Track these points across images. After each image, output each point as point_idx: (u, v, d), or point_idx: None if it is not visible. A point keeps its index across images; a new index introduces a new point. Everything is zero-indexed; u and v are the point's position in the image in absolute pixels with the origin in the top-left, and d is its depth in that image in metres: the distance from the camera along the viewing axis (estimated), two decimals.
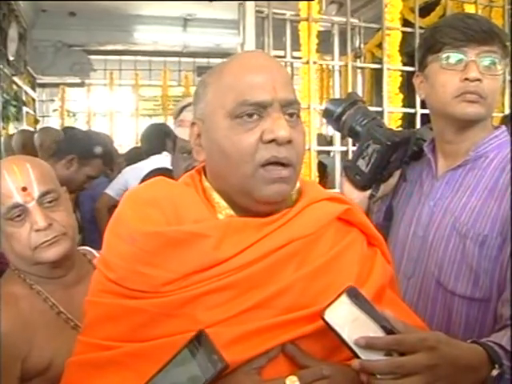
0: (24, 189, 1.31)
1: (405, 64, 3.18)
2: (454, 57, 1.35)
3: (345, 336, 0.88)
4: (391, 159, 1.48)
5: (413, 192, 1.52)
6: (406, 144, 1.49)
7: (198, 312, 0.93)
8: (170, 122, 7.38)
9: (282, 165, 0.98)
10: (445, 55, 1.36)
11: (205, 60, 8.38)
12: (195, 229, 0.97)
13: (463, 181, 1.40)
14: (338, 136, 3.18)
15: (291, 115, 1.00)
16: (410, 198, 1.53)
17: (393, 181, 1.56)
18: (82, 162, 2.71)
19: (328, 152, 3.64)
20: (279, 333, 0.93)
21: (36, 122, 7.33)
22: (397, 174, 1.56)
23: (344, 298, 0.89)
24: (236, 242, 0.97)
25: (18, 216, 1.30)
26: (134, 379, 0.91)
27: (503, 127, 1.47)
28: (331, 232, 1.05)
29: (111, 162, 2.88)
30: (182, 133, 1.88)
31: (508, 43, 1.40)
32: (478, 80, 1.32)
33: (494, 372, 0.97)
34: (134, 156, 4.25)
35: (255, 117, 0.98)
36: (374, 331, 0.88)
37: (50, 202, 1.34)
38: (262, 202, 0.99)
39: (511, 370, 1.01)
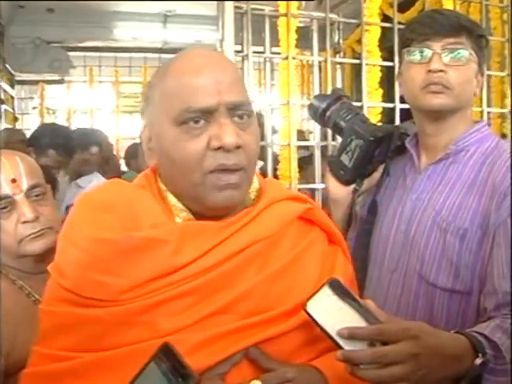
0: (13, 180, 1.31)
1: (384, 59, 3.20)
2: (419, 51, 1.40)
3: (327, 327, 0.88)
4: (374, 154, 1.49)
5: (396, 186, 1.54)
6: (389, 139, 1.50)
7: (158, 319, 0.90)
8: None
9: (231, 170, 0.95)
10: (411, 50, 1.41)
11: None
12: (152, 234, 0.94)
13: (444, 175, 1.42)
14: (317, 131, 3.18)
15: (241, 117, 0.96)
16: (393, 192, 1.54)
17: (377, 175, 1.57)
18: (38, 153, 2.81)
19: (307, 147, 3.65)
20: (241, 337, 0.91)
21: (15, 119, 7.24)
22: (381, 168, 1.57)
23: (326, 290, 0.90)
24: (195, 247, 0.94)
25: (5, 208, 1.31)
26: None
27: (484, 121, 1.49)
28: (292, 232, 1.05)
29: (68, 153, 3.00)
30: None
31: (481, 34, 1.43)
32: (442, 71, 1.36)
33: (478, 361, 0.98)
34: (133, 152, 4.25)
35: (202, 122, 0.95)
36: (356, 322, 0.89)
37: (37, 195, 1.35)
38: (212, 208, 0.98)
39: (494, 359, 1.03)
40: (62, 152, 2.95)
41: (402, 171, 1.54)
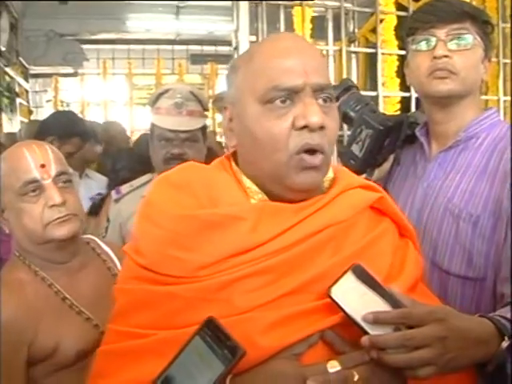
0: (42, 165, 1.35)
1: (400, 48, 3.18)
2: (423, 39, 1.41)
3: (352, 313, 0.88)
4: (384, 143, 1.49)
5: (407, 175, 1.54)
6: (398, 128, 1.50)
7: (235, 297, 0.90)
8: None
9: (315, 152, 0.96)
10: (416, 39, 1.42)
11: (198, 47, 8.33)
12: (231, 211, 0.96)
13: (455, 162, 1.42)
14: None
15: (325, 100, 0.98)
16: (404, 181, 1.54)
17: (387, 165, 1.58)
18: (61, 141, 2.88)
19: None
20: (318, 318, 0.91)
21: (30, 112, 7.30)
22: (391, 158, 1.57)
23: (350, 276, 0.90)
24: (272, 226, 0.95)
25: (33, 191, 1.33)
26: None
27: (493, 108, 1.49)
28: (364, 220, 1.04)
29: (88, 138, 3.12)
30: (159, 120, 1.88)
31: (486, 20, 1.42)
32: (446, 56, 1.36)
33: (504, 344, 0.97)
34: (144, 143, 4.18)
35: (287, 102, 0.96)
36: (381, 307, 0.88)
37: (64, 182, 1.38)
38: (293, 189, 0.98)
39: None
40: (85, 138, 3.03)
41: (413, 160, 1.54)
